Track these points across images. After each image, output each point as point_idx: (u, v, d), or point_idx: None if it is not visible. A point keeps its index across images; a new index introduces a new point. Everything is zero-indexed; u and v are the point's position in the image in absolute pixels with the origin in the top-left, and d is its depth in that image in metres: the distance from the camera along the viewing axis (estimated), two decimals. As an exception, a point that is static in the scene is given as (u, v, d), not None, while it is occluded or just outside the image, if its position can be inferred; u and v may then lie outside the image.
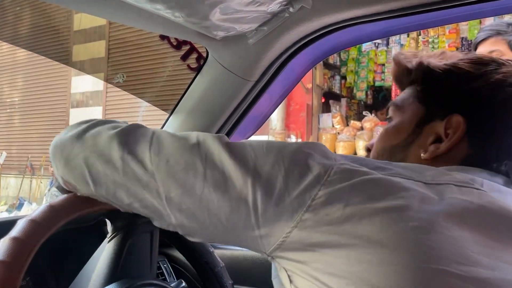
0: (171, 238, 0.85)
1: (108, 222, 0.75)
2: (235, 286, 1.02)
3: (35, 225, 0.63)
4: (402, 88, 0.71)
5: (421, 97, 0.65)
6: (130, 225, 0.73)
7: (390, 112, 0.69)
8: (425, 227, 0.46)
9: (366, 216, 0.47)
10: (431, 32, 5.30)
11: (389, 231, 0.46)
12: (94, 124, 0.65)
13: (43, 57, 7.33)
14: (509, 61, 0.63)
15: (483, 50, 1.86)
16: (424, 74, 0.66)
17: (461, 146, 0.60)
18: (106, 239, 0.74)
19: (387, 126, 0.69)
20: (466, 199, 0.50)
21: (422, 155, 0.62)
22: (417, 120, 0.65)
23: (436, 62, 0.65)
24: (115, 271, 0.71)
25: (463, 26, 5.05)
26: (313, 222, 0.48)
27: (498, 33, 1.84)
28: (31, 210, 0.68)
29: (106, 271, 0.71)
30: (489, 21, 4.12)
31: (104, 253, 0.73)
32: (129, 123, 0.65)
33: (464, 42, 5.18)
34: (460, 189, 0.51)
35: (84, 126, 0.65)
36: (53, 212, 0.66)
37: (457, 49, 5.25)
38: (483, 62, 0.63)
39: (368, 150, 0.74)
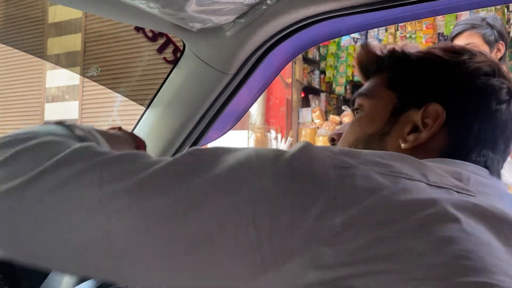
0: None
1: None
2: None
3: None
4: (365, 77, 0.68)
5: (394, 85, 0.63)
6: None
7: (358, 103, 0.66)
8: (457, 236, 0.39)
9: (394, 236, 0.39)
10: (409, 27, 5.37)
11: (422, 244, 0.39)
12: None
13: (16, 50, 7.15)
14: (481, 52, 0.62)
15: (458, 43, 1.92)
16: (399, 61, 0.63)
17: (440, 136, 0.58)
18: None
19: (358, 116, 0.66)
20: (473, 202, 0.44)
21: (402, 145, 0.59)
22: (392, 109, 0.61)
23: (410, 49, 0.63)
24: None
25: (440, 21, 5.13)
26: (334, 256, 0.38)
27: (472, 26, 1.89)
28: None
29: None
30: (464, 16, 4.19)
31: None
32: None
33: (440, 38, 5.27)
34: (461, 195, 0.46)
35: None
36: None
37: (434, 44, 5.33)
38: (457, 51, 0.62)
39: (333, 140, 0.70)
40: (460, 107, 0.58)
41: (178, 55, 0.97)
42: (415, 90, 0.61)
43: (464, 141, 0.58)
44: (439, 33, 5.24)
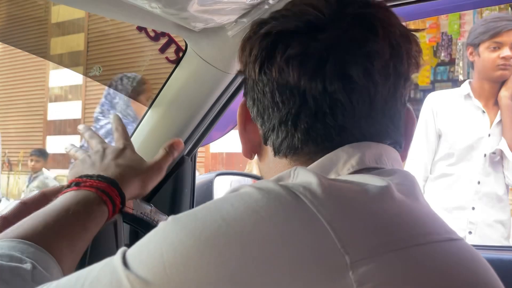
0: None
1: None
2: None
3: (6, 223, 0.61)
4: None
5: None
6: None
7: None
8: None
9: None
10: (412, 26, 5.35)
11: None
12: None
13: (19, 50, 7.17)
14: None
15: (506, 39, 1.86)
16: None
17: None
18: None
19: None
20: None
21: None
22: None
23: None
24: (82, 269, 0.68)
25: (443, 21, 5.11)
26: None
27: None
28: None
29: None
30: (468, 16, 4.18)
31: None
32: None
33: (444, 37, 5.25)
34: None
35: None
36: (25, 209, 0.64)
37: (437, 43, 5.32)
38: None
39: None
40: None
41: (180, 54, 0.97)
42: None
43: None
44: (442, 32, 5.22)
